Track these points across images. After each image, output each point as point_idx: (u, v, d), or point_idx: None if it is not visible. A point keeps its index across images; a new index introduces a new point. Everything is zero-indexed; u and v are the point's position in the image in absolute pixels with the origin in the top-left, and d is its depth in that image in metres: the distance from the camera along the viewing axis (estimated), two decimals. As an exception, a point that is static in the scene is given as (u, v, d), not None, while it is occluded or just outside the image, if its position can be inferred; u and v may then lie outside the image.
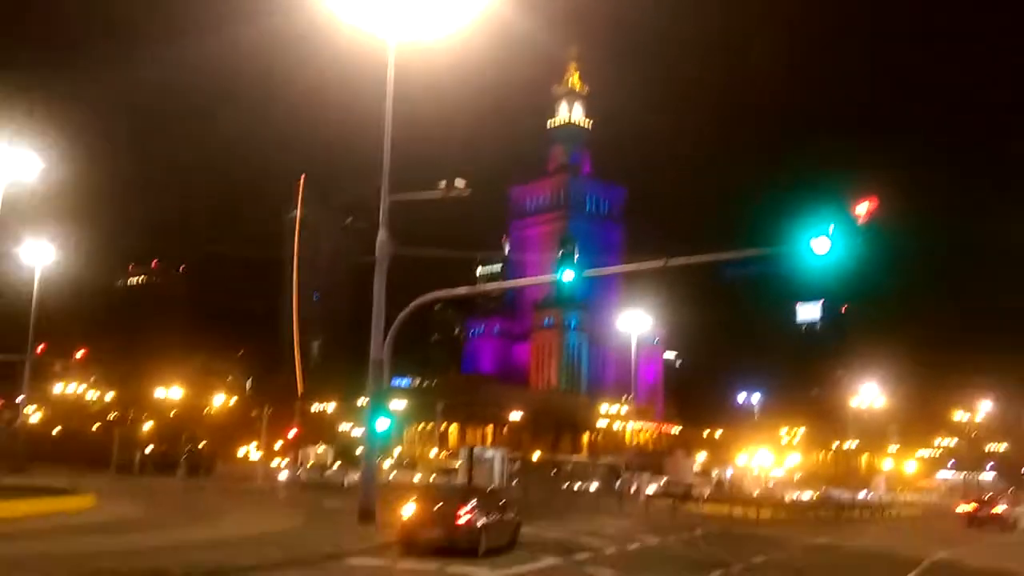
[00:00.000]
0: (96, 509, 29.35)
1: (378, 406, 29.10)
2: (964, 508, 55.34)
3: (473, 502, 22.22)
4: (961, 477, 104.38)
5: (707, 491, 59.86)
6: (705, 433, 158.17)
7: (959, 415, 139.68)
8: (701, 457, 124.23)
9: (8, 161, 47.52)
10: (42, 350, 64.48)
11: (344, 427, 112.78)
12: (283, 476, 63.37)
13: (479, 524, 21.46)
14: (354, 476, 64.24)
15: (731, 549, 27.58)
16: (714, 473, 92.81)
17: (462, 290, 45.62)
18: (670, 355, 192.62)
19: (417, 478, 70.27)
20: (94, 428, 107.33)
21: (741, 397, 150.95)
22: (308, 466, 74.20)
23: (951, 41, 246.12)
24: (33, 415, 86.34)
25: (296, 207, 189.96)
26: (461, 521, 21.23)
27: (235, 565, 17.73)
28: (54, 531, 22.72)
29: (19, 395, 69.01)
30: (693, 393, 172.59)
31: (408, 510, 22.10)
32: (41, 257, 57.18)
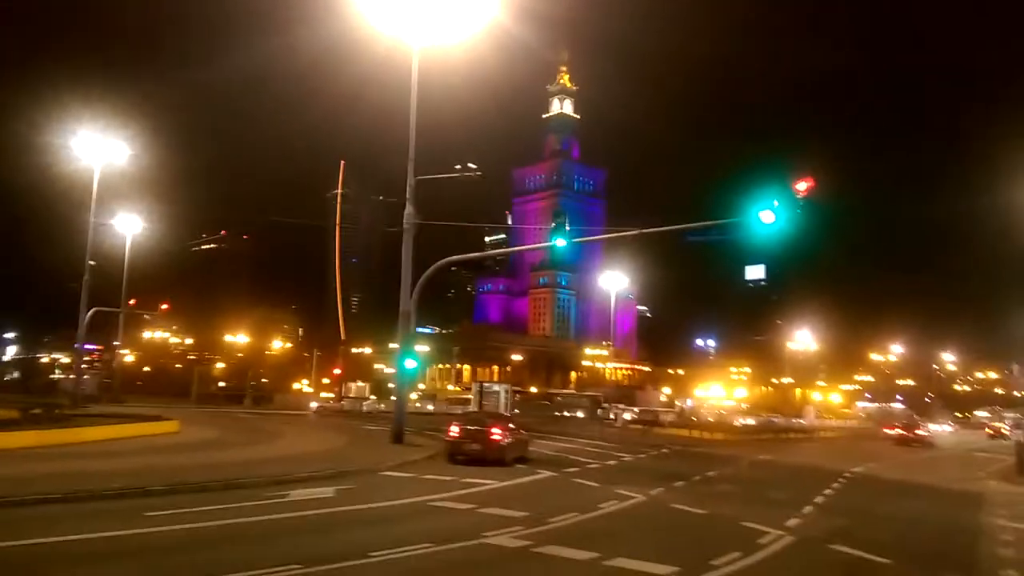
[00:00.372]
0: (180, 432, 29.65)
1: (406, 349, 29.28)
2: (893, 432, 55.45)
3: (500, 425, 23.98)
4: (875, 407, 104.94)
5: (671, 418, 60.16)
6: (670, 371, 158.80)
7: (875, 356, 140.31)
8: (667, 391, 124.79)
9: (103, 147, 47.41)
10: (133, 303, 64.47)
11: (378, 367, 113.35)
12: (312, 405, 63.25)
13: (504, 442, 23.09)
14: (375, 405, 64.81)
15: (691, 464, 27.88)
16: (677, 403, 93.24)
17: (474, 255, 45.68)
18: (643, 308, 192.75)
19: (431, 407, 70.69)
20: (176, 367, 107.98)
21: (699, 342, 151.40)
22: (349, 398, 74.65)
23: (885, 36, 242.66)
24: (127, 357, 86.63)
25: (338, 186, 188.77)
26: (493, 439, 22.88)
27: (293, 476, 17.93)
28: (148, 450, 22.98)
29: (116, 340, 69.34)
30: (661, 339, 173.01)
31: (453, 430, 23.55)
32: (131, 227, 57.13)
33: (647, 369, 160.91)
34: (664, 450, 34.59)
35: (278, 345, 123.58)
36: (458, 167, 31.23)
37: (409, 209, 29.19)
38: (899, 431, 55.07)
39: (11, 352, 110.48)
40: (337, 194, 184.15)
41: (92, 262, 48.61)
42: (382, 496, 16.23)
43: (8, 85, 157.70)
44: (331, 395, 78.37)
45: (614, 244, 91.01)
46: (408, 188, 29.35)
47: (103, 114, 48.82)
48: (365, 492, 16.66)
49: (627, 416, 58.87)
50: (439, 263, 30.80)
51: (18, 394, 55.44)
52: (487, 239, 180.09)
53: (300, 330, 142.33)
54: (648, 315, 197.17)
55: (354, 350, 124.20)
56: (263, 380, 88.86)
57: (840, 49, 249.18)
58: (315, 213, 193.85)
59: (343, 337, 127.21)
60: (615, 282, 72.39)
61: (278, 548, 10.93)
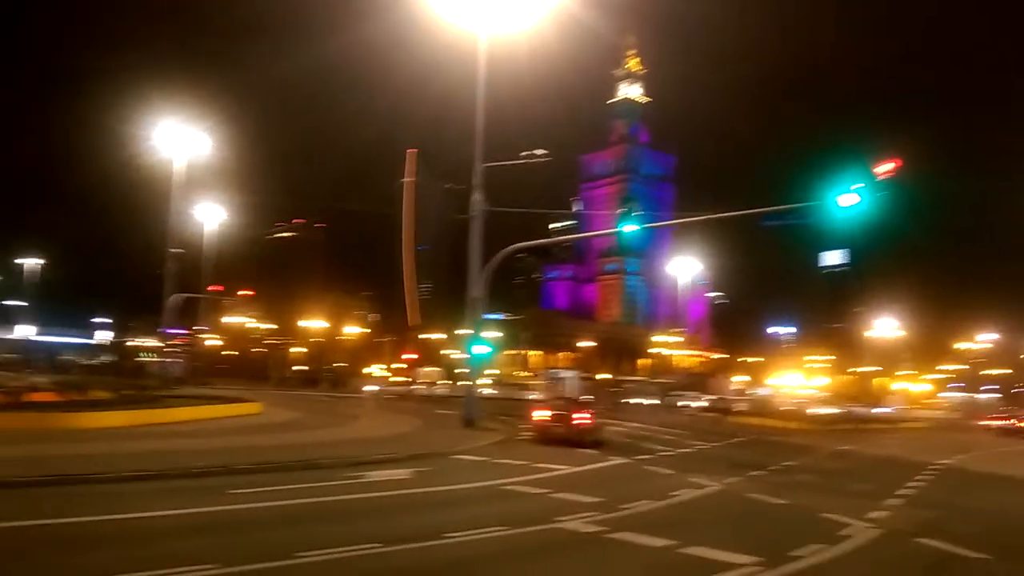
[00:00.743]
0: (262, 414, 30.62)
1: (476, 335, 29.54)
2: (999, 423, 53.14)
3: (582, 409, 25.82)
4: (962, 396, 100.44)
5: (744, 407, 58.94)
6: (743, 360, 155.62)
7: (963, 345, 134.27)
8: (741, 379, 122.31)
9: (185, 138, 49.20)
10: (215, 290, 66.95)
11: (449, 352, 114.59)
12: (369, 388, 64.23)
13: (586, 425, 24.73)
14: (441, 389, 65.63)
15: (766, 453, 27.28)
16: (750, 392, 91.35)
17: (541, 241, 45.67)
18: (715, 294, 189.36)
19: (500, 393, 71.02)
20: (255, 351, 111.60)
21: (774, 329, 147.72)
22: (421, 383, 75.79)
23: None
24: (210, 341, 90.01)
25: (406, 174, 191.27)
26: (574, 422, 24.51)
27: (369, 458, 18.30)
28: (233, 430, 23.83)
29: (199, 325, 72.04)
30: (733, 326, 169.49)
31: (540, 413, 25.50)
32: (212, 216, 59.19)
33: (719, 357, 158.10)
34: (738, 439, 33.95)
35: (352, 330, 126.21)
36: (524, 153, 31.21)
37: (477, 196, 29.35)
38: (1007, 421, 52.44)
39: (102, 337, 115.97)
40: (406, 182, 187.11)
41: (176, 250, 50.57)
42: (455, 479, 16.42)
43: (96, 79, 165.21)
44: (401, 379, 79.77)
45: (685, 230, 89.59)
46: (475, 175, 29.49)
47: (185, 106, 50.66)
48: (438, 475, 16.89)
49: (698, 404, 58.01)
50: (506, 250, 30.88)
51: (109, 376, 58.30)
52: (552, 226, 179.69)
53: (373, 316, 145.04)
54: (720, 302, 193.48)
55: (426, 336, 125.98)
56: (338, 364, 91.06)
57: (920, 24, 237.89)
58: (387, 200, 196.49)
59: (414, 323, 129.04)
60: (685, 268, 71.30)
61: (355, 527, 11.17)
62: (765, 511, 14.57)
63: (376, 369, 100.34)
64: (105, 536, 10.19)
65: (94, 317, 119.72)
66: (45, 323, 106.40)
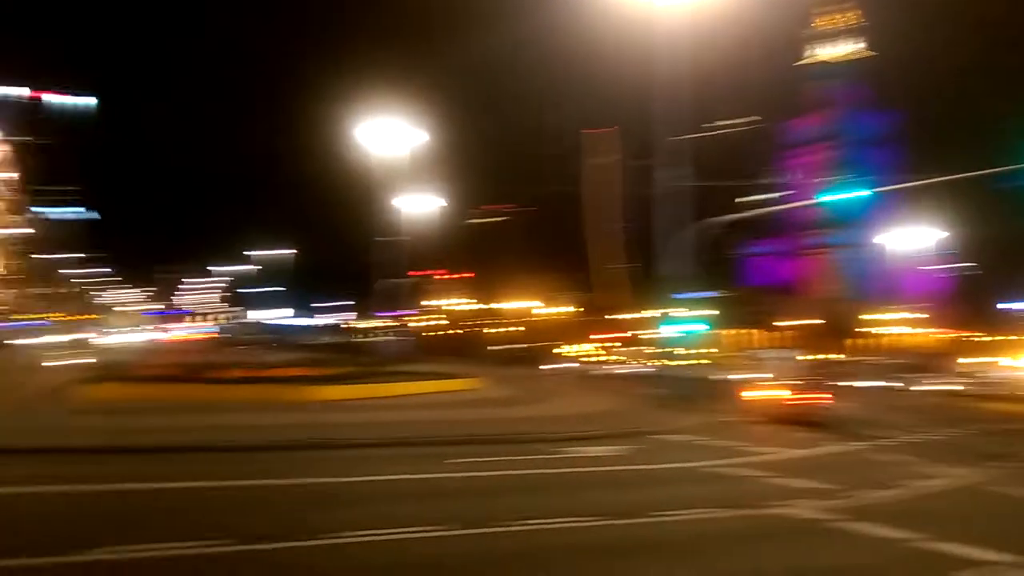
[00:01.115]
0: (474, 390, 31.91)
1: (677, 314, 28.91)
2: None
3: (797, 390, 25.51)
4: None
5: (977, 389, 52.79)
6: (976, 338, 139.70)
7: None
8: (972, 359, 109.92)
9: (402, 134, 52.28)
10: (429, 274, 71.10)
11: (652, 331, 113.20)
12: (570, 367, 64.37)
13: (802, 407, 24.23)
14: (645, 367, 64.61)
15: (1005, 443, 24.23)
16: (983, 373, 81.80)
17: (743, 214, 43.69)
18: (943, 266, 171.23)
19: (704, 372, 68.70)
20: (464, 330, 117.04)
21: (1013, 306, 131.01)
22: (624, 361, 75.59)
23: None
24: (423, 321, 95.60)
25: (604, 153, 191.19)
26: (790, 403, 24.26)
27: (576, 434, 18.52)
28: (446, 404, 25.18)
29: (414, 306, 76.72)
30: (965, 302, 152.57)
31: (753, 394, 25.60)
32: (427, 204, 62.80)
33: (948, 335, 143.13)
34: (970, 424, 30.47)
35: (554, 310, 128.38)
36: (726, 122, 29.93)
37: (668, 172, 28.56)
38: None
39: (328, 319, 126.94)
40: (596, 162, 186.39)
41: (391, 237, 54.08)
42: (661, 458, 16.17)
43: (312, 76, 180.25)
44: (606, 357, 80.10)
45: (910, 196, 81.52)
46: (661, 152, 28.67)
47: (400, 101, 53.61)
48: (644, 453, 16.71)
49: (926, 386, 52.93)
50: (699, 224, 29.80)
51: (335, 354, 63.84)
52: (754, 197, 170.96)
53: (574, 296, 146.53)
54: (951, 275, 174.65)
55: (628, 315, 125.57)
56: (542, 343, 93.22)
57: None
58: (578, 181, 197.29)
59: (614, 303, 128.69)
60: (909, 239, 64.94)
61: (560, 500, 11.31)
62: (1016, 508, 12.94)
63: (578, 348, 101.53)
64: (330, 496, 11.14)
65: (323, 301, 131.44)
66: (279, 307, 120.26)
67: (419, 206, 63.37)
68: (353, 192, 69.92)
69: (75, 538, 7.98)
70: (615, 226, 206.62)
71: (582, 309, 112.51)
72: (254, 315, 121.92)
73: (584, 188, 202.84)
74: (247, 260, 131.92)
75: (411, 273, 68.26)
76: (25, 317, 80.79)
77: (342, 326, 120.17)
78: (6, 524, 8.83)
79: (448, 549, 8.36)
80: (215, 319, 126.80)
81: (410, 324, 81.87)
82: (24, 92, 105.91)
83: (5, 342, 59.58)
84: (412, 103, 56.26)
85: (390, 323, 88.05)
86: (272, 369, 30.53)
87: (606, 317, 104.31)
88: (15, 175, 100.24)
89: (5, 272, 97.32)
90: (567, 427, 19.70)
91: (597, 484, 13.02)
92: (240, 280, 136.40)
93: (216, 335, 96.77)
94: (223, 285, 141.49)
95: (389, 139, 52.24)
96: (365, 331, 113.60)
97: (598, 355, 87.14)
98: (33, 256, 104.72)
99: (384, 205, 55.20)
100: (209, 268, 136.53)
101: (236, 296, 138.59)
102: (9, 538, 8.00)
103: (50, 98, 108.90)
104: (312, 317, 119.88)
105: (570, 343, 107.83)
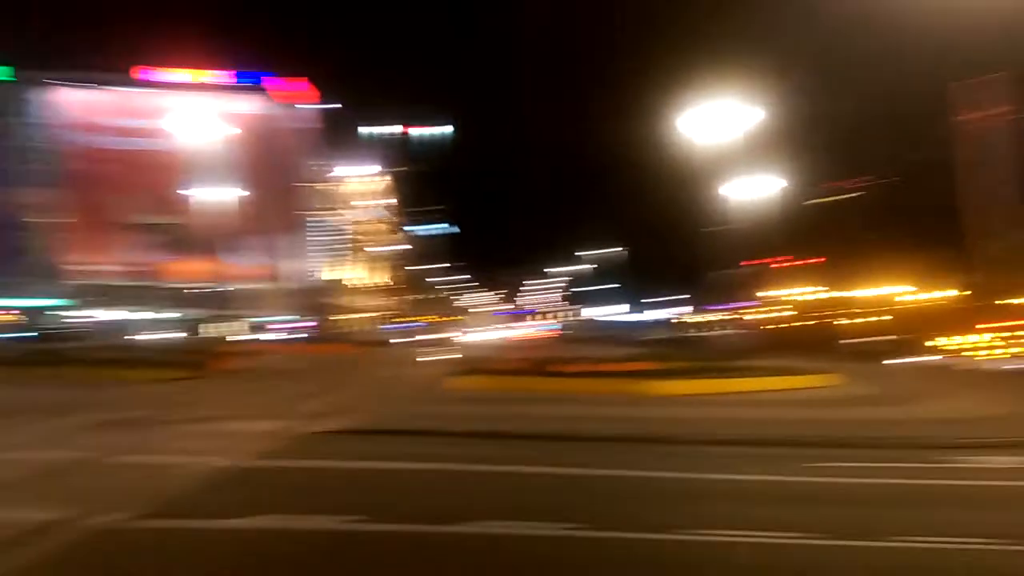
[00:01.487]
0: (832, 387, 29.59)
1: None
2: None
3: None
4: None
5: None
6: None
7: None
8: None
9: (733, 115, 50.80)
10: (766, 262, 68.18)
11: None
12: (942, 361, 55.99)
13: None
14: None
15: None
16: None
17: None
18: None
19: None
20: (812, 321, 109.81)
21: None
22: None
23: None
24: (764, 313, 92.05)
25: (973, 107, 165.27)
26: None
27: (961, 442, 16.25)
28: (801, 402, 23.81)
29: (751, 298, 74.20)
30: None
31: None
32: (764, 187, 60.09)
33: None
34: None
35: (928, 295, 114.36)
36: None
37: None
38: None
39: (656, 313, 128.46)
40: (960, 119, 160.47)
41: (718, 227, 52.54)
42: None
43: (629, 70, 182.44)
44: (994, 350, 69.58)
45: None
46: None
47: (724, 80, 52.01)
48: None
49: None
50: None
51: (669, 349, 64.05)
52: None
53: (955, 279, 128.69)
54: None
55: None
56: (907, 335, 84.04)
57: None
58: (944, 144, 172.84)
59: (1010, 282, 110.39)
60: None
61: (958, 517, 10.04)
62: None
63: (961, 339, 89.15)
64: (687, 493, 11.20)
65: (655, 295, 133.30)
66: (614, 303, 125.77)
67: (754, 190, 60.70)
68: (679, 183, 69.63)
69: (450, 511, 9.20)
70: (1006, 191, 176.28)
71: (968, 293, 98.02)
72: (588, 312, 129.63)
73: (960, 150, 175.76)
74: (579, 261, 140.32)
75: (745, 263, 65.78)
76: (405, 320, 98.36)
77: (673, 320, 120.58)
78: (395, 495, 10.49)
79: (820, 558, 7.98)
80: (555, 317, 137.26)
81: (747, 317, 79.11)
82: (397, 129, 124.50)
83: (391, 341, 71.93)
84: (744, 80, 54.27)
85: (725, 316, 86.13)
86: (612, 364, 31.72)
87: (996, 302, 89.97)
88: (394, 201, 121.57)
89: (391, 283, 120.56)
90: (953, 432, 17.36)
91: (1003, 501, 11.39)
92: (576, 279, 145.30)
93: (559, 332, 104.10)
94: (563, 284, 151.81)
95: (718, 123, 50.93)
96: (699, 325, 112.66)
97: (991, 347, 75.59)
98: (408, 268, 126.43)
99: (713, 194, 53.88)
100: (545, 270, 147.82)
101: (572, 295, 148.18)
102: (400, 507, 9.58)
103: (415, 131, 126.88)
104: (642, 312, 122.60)
105: (949, 334, 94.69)
